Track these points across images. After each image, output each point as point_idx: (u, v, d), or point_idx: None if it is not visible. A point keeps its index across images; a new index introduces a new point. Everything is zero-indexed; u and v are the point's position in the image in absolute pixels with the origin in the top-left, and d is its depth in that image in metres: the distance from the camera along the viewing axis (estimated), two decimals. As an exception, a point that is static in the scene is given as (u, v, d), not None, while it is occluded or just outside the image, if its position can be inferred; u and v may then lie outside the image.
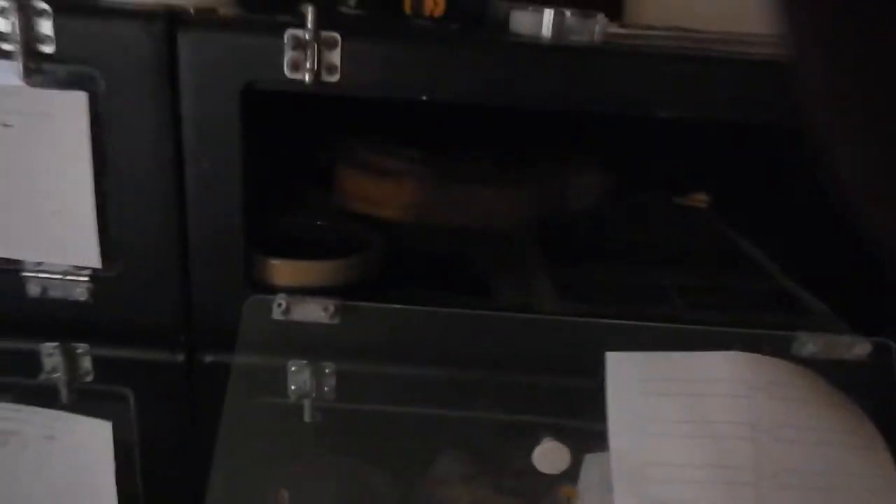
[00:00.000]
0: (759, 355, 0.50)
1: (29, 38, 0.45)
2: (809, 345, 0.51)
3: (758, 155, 0.73)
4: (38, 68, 0.46)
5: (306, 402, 0.52)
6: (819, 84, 0.23)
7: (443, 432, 0.57)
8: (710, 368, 0.51)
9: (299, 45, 0.45)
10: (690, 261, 0.72)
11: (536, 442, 0.54)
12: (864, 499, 0.48)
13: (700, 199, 0.87)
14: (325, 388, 0.53)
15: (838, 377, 0.51)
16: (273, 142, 0.65)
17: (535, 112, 0.49)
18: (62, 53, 0.46)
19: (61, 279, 0.51)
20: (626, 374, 0.51)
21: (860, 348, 0.51)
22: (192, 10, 0.47)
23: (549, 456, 0.53)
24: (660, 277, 0.67)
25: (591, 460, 0.53)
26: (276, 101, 0.49)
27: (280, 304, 0.50)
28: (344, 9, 0.73)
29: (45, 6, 0.45)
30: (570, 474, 0.55)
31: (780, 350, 0.52)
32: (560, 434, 0.54)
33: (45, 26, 0.45)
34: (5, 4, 0.45)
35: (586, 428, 0.53)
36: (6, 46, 0.45)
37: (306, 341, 0.52)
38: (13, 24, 0.45)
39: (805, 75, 0.23)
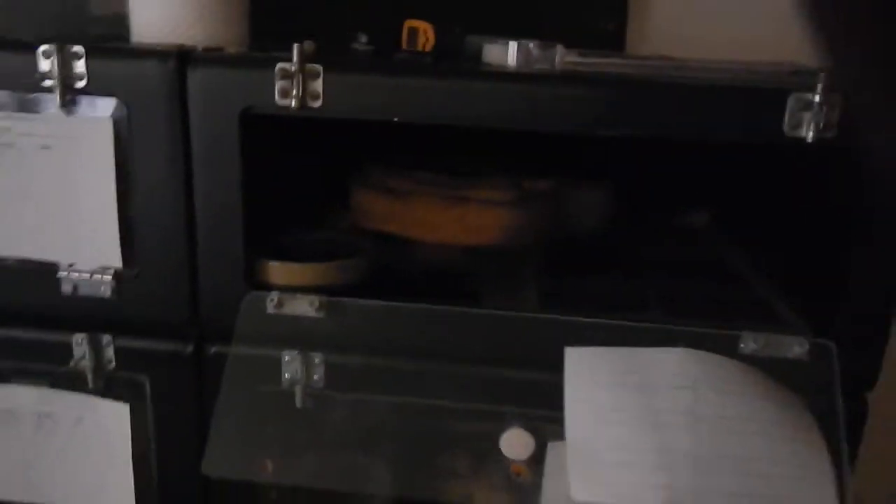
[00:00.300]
0: (704, 352, 0.55)
1: (66, 75, 0.54)
2: (752, 343, 0.55)
3: (754, 173, 0.76)
4: (72, 100, 0.55)
5: (297, 389, 0.59)
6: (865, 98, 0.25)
7: (426, 420, 0.62)
8: (659, 363, 0.55)
9: (287, 76, 0.53)
10: (679, 272, 0.76)
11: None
12: (797, 483, 0.51)
13: (699, 215, 0.91)
14: (315, 377, 0.59)
15: (783, 375, 0.55)
16: (297, 164, 0.73)
17: (544, 135, 0.54)
18: (92, 87, 0.55)
19: (89, 278, 0.59)
20: (582, 367, 0.56)
21: (799, 347, 0.54)
22: (200, 49, 0.56)
23: (514, 442, 0.59)
24: (645, 288, 0.71)
25: (553, 447, 0.58)
26: (301, 129, 0.56)
27: (272, 300, 0.58)
28: (356, 45, 0.81)
29: (79, 49, 0.54)
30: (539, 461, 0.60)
31: (728, 348, 0.56)
32: (531, 424, 0.59)
33: (79, 66, 0.54)
34: (48, 48, 0.54)
35: (555, 418, 0.58)
36: (47, 83, 0.54)
37: (299, 335, 0.59)
38: (53, 64, 0.54)
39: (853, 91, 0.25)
